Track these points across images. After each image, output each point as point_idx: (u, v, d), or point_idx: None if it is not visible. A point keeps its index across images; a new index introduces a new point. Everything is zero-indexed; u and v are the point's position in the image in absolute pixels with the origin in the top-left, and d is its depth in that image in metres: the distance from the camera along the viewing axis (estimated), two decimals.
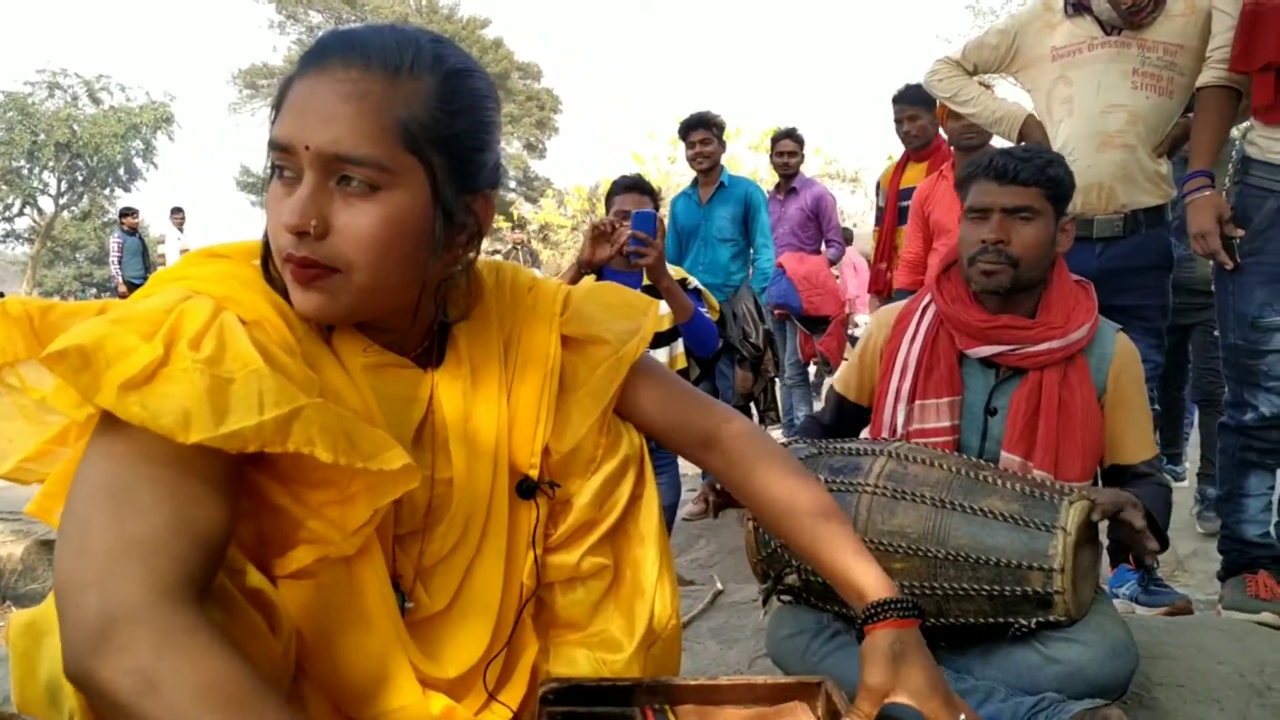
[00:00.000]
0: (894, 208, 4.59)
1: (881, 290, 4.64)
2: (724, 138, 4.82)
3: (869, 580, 1.15)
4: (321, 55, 0.98)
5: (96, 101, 29.14)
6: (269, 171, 1.00)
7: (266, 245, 1.02)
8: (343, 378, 1.03)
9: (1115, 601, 2.57)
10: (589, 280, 2.23)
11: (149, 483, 0.84)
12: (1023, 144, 2.05)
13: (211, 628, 0.81)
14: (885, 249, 4.62)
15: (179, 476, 0.84)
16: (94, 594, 0.78)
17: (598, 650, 1.19)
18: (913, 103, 4.42)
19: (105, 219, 30.44)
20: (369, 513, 0.96)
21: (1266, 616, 2.36)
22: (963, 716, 1.07)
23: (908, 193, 4.51)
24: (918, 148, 4.50)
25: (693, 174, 4.90)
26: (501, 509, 1.14)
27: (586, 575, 1.20)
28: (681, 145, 4.82)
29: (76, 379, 0.82)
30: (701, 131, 4.62)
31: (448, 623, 1.12)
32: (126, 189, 30.54)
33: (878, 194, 4.85)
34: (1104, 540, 1.83)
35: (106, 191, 30.77)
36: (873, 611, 1.12)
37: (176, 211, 12.01)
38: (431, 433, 1.11)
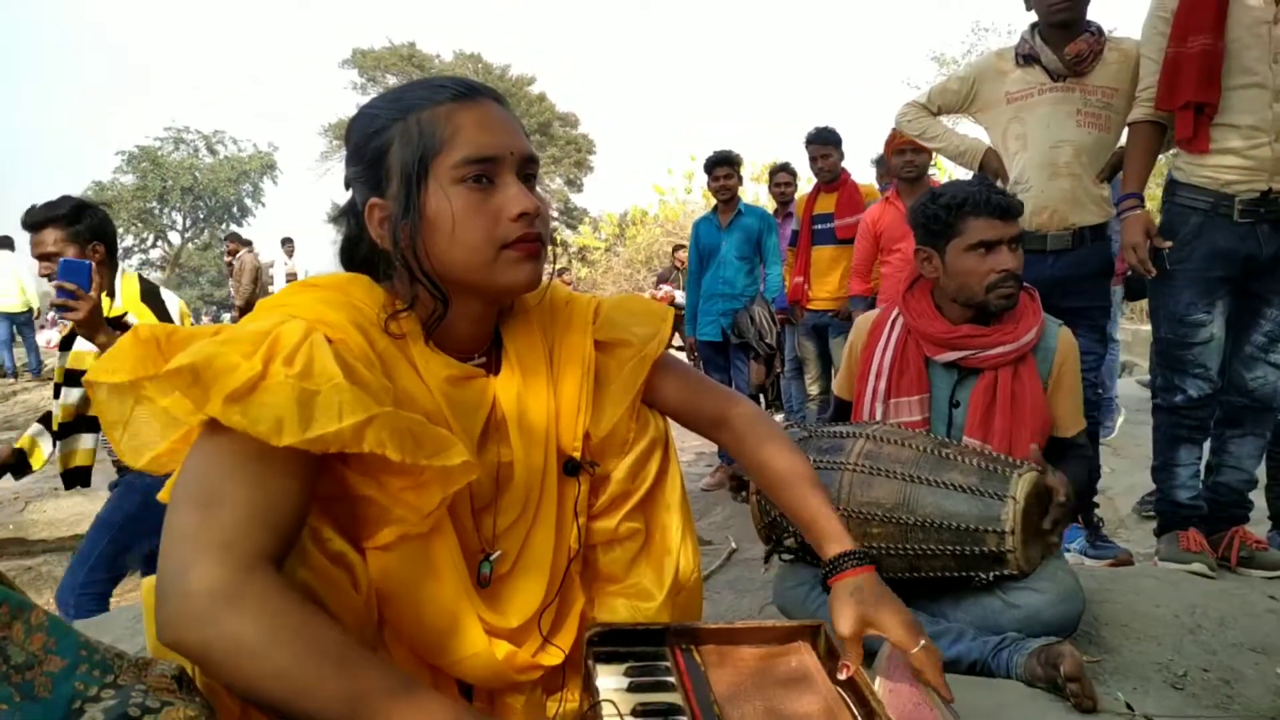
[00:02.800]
0: (808, 231, 4.67)
1: (799, 300, 4.67)
2: (740, 172, 4.84)
3: (829, 539, 1.16)
4: (470, 91, 1.06)
5: (213, 152, 29.53)
6: (470, 182, 1.02)
7: (424, 269, 1.04)
8: (417, 384, 1.04)
9: (1066, 555, 2.55)
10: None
11: (231, 477, 0.85)
12: (981, 178, 2.03)
13: (287, 590, 0.82)
14: (802, 265, 4.67)
15: (262, 472, 0.86)
16: (180, 574, 0.80)
17: (633, 599, 1.20)
18: (824, 143, 4.59)
19: (223, 249, 30.84)
20: (439, 497, 0.97)
21: (1197, 566, 2.34)
22: (923, 641, 1.06)
23: (821, 217, 4.62)
24: (828, 180, 4.61)
25: (703, 202, 4.93)
26: (552, 485, 1.15)
27: (623, 537, 1.21)
28: (697, 177, 4.87)
29: (189, 391, 0.85)
30: (726, 168, 4.65)
31: (511, 580, 1.13)
32: (239, 223, 30.90)
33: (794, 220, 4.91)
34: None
35: (223, 226, 31.13)
36: (830, 566, 1.13)
37: (287, 242, 12.10)
38: (495, 426, 1.12)
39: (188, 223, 29.96)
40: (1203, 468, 2.57)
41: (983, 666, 1.66)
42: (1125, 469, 4.10)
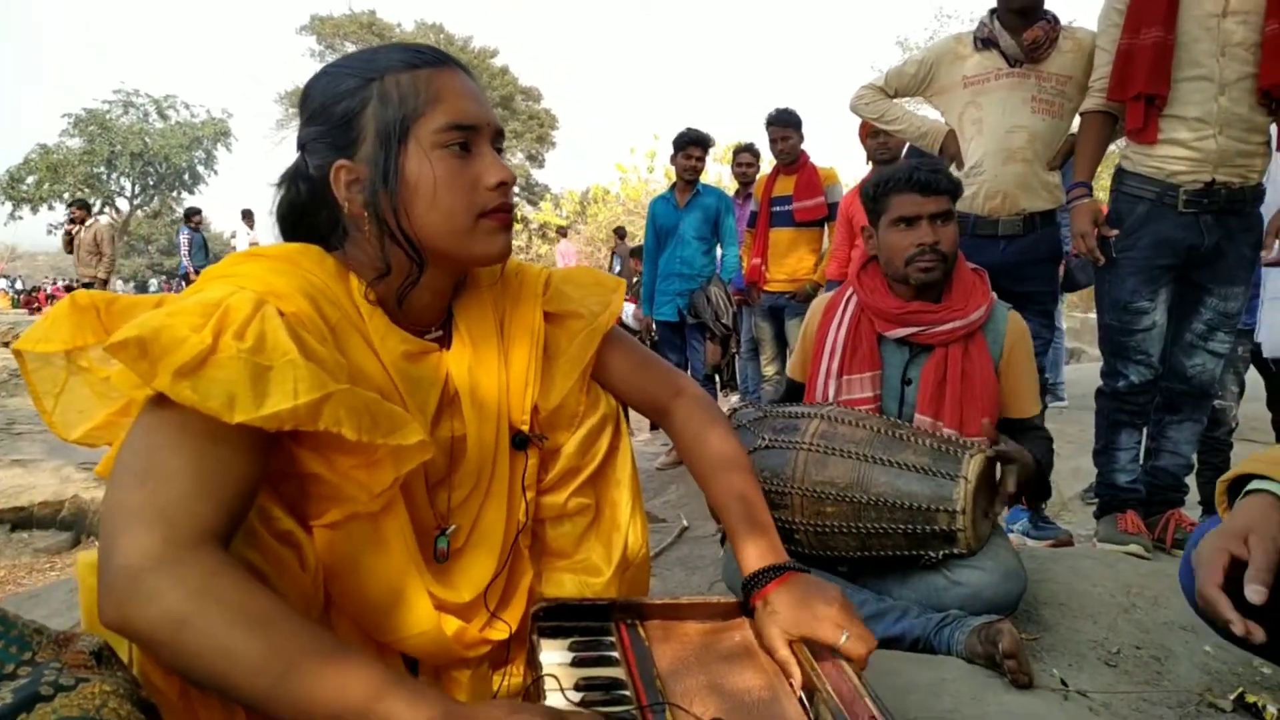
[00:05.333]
0: (766, 212, 4.67)
1: (756, 281, 4.67)
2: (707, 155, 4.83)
3: (745, 560, 1.12)
4: (439, 58, 1.04)
5: (164, 117, 28.67)
6: (453, 148, 1.01)
7: (403, 232, 1.02)
8: (370, 359, 1.01)
9: (1010, 536, 2.60)
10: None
11: (177, 452, 0.82)
12: (922, 159, 2.05)
13: (233, 568, 0.80)
14: (760, 247, 4.67)
15: (208, 447, 0.82)
16: (122, 550, 0.77)
17: (581, 575, 1.19)
18: (784, 125, 4.57)
19: (173, 217, 30.08)
20: (392, 477, 0.95)
21: (1133, 547, 2.40)
22: (846, 634, 1.01)
23: (780, 199, 4.61)
24: (787, 163, 4.60)
25: (665, 182, 4.92)
26: (504, 459, 1.13)
27: (572, 513, 1.20)
28: (659, 156, 4.84)
29: (136, 365, 0.81)
30: (697, 149, 4.64)
31: (463, 555, 1.11)
32: (191, 191, 30.12)
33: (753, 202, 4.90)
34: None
35: (174, 194, 30.35)
36: (745, 591, 1.10)
37: (247, 214, 11.85)
38: (449, 401, 1.10)
39: (136, 189, 29.09)
40: (1142, 453, 2.63)
41: (925, 644, 1.68)
42: (1070, 453, 4.19)
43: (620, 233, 13.93)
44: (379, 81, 1.01)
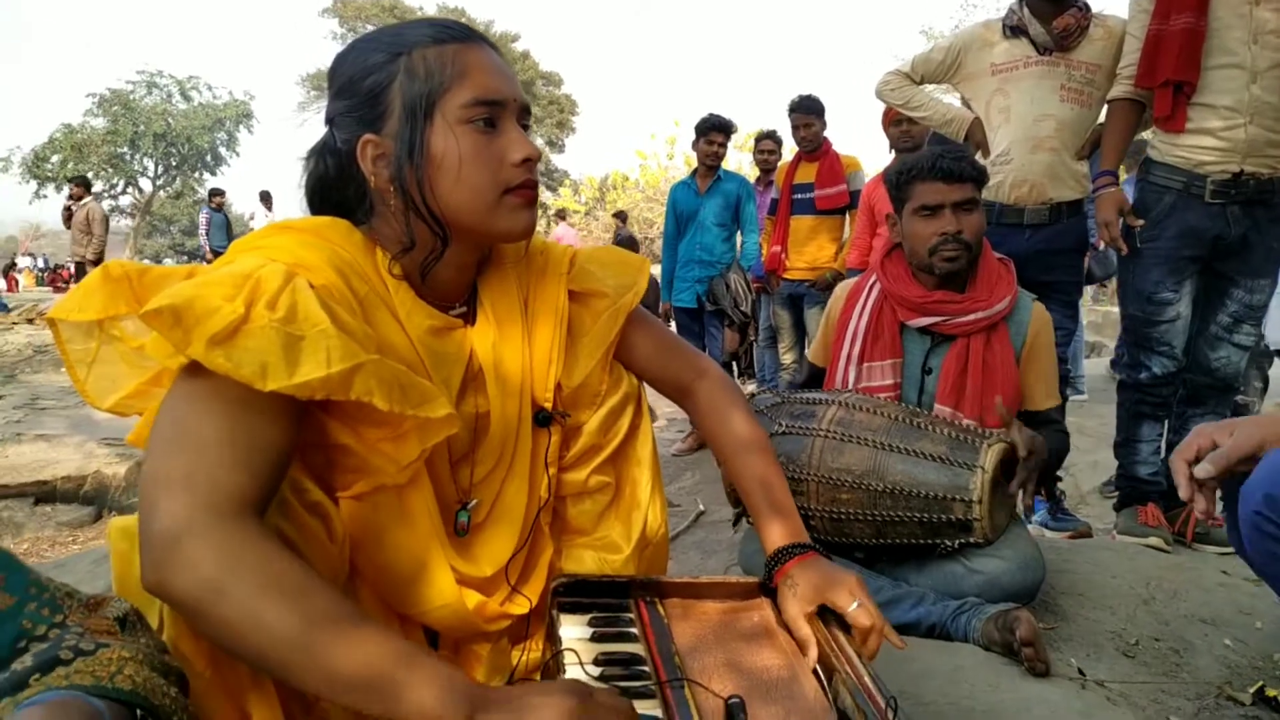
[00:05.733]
0: (787, 200, 4.62)
1: (775, 269, 4.64)
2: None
3: (768, 539, 1.15)
4: (466, 33, 1.04)
5: (187, 98, 28.76)
6: (478, 123, 1.01)
7: (428, 207, 1.02)
8: (397, 333, 1.02)
9: (1028, 527, 2.59)
10: None
11: (215, 420, 0.83)
12: (946, 147, 2.03)
13: (268, 537, 0.80)
14: (780, 234, 4.63)
15: (242, 415, 0.83)
16: (163, 516, 0.78)
17: (601, 552, 1.20)
18: (806, 112, 4.51)
19: (195, 198, 30.25)
20: (418, 450, 0.96)
21: (1153, 540, 2.38)
22: (857, 602, 1.04)
23: (802, 187, 4.55)
24: (809, 150, 4.54)
25: (685, 169, 4.90)
26: (526, 435, 1.14)
27: (593, 490, 1.21)
28: (679, 143, 4.82)
29: (170, 333, 0.82)
30: (720, 135, 4.61)
31: (485, 530, 1.12)
32: (213, 173, 30.24)
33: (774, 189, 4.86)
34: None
35: (196, 175, 30.45)
36: (768, 567, 1.13)
37: (265, 195, 11.87)
38: (473, 377, 1.11)
39: (159, 170, 29.25)
40: (1164, 445, 2.61)
41: (942, 630, 1.68)
42: (1088, 446, 4.16)
43: (621, 216, 13.89)
44: (406, 56, 1.01)
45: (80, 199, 9.74)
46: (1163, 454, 2.61)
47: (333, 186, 1.07)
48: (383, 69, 1.01)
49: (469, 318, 1.13)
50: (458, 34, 1.04)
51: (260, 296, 0.86)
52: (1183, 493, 1.18)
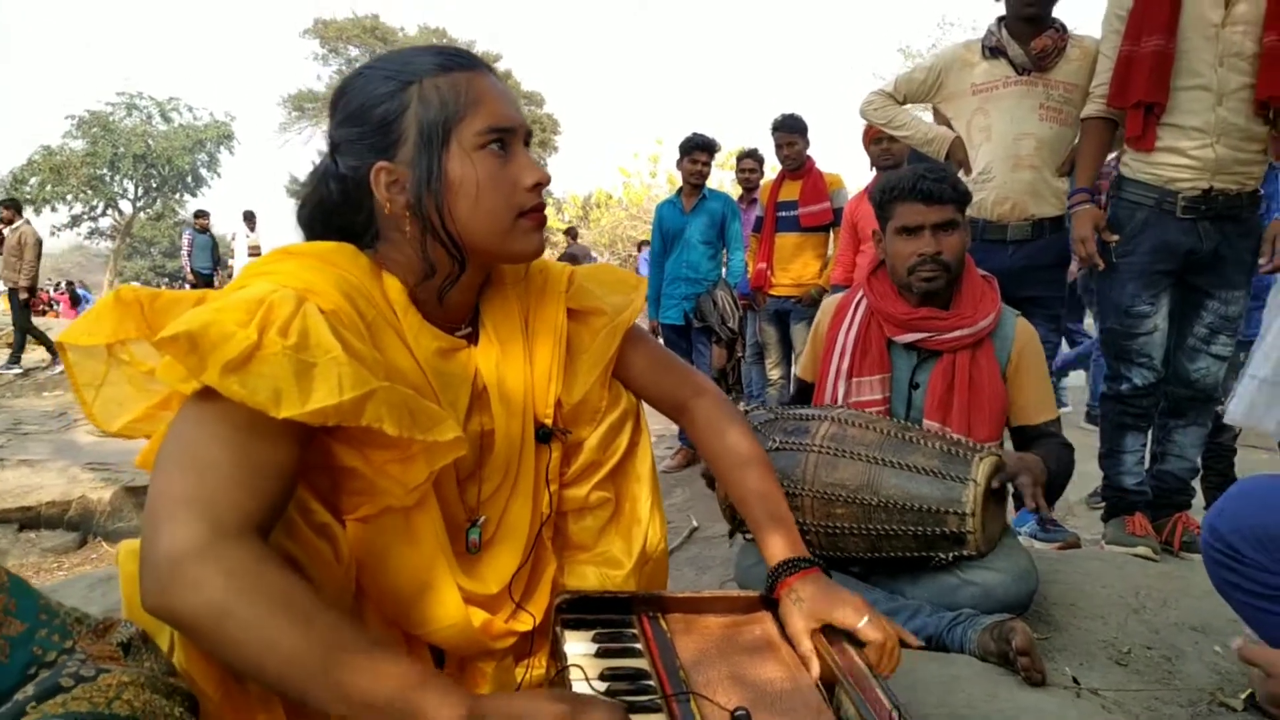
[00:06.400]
0: (772, 217, 4.68)
1: (761, 286, 4.67)
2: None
3: (770, 551, 1.16)
4: (473, 61, 1.07)
5: (168, 120, 28.67)
6: (492, 147, 1.04)
7: (447, 232, 1.04)
8: (404, 356, 1.03)
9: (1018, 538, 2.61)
10: None
11: (221, 444, 0.84)
12: (929, 166, 2.07)
13: (273, 558, 0.81)
14: (765, 251, 4.68)
15: (251, 440, 0.84)
16: (166, 538, 0.79)
17: (602, 567, 1.21)
18: (790, 130, 4.59)
19: (176, 220, 30.09)
20: (426, 472, 0.97)
21: (1141, 549, 2.42)
22: (867, 618, 1.05)
23: (786, 205, 4.62)
24: (793, 168, 4.61)
25: (668, 187, 4.93)
26: (529, 453, 1.15)
27: (594, 506, 1.22)
28: (662, 161, 4.85)
29: (186, 360, 0.83)
30: (704, 154, 4.67)
31: (491, 547, 1.13)
32: (194, 194, 30.10)
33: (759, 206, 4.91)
34: (1010, 488, 1.86)
35: (177, 196, 30.32)
36: (770, 580, 1.14)
37: (249, 216, 11.82)
38: (477, 396, 1.12)
39: (139, 191, 29.08)
40: (1148, 455, 2.65)
41: (938, 641, 1.70)
42: (1077, 459, 4.20)
43: (571, 233, 14.00)
44: (418, 85, 1.03)
45: (11, 222, 9.14)
46: (1146, 464, 2.64)
47: (336, 211, 1.08)
48: (394, 98, 1.03)
49: (472, 338, 1.14)
50: (465, 62, 1.06)
51: (273, 323, 0.87)
52: None
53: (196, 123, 29.04)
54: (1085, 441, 4.51)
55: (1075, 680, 1.62)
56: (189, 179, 29.71)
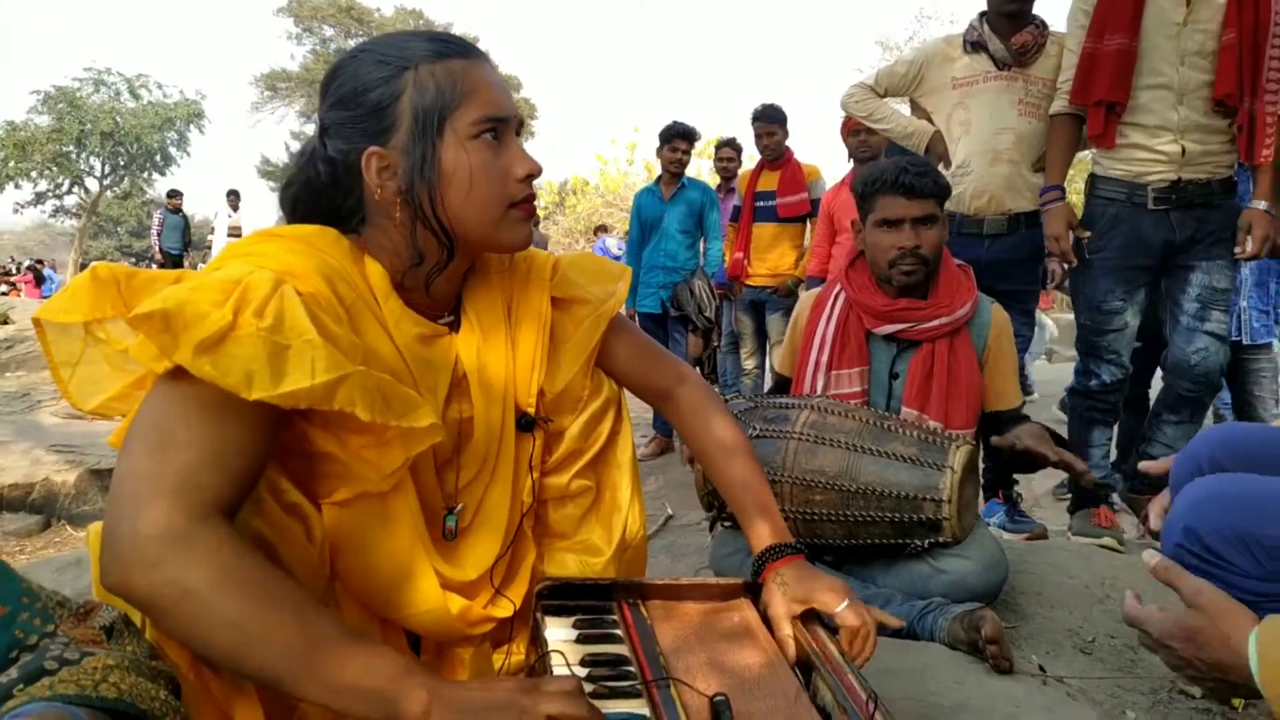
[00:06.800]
0: (750, 207, 4.69)
1: (738, 275, 4.69)
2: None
3: (757, 536, 1.18)
4: (468, 49, 1.06)
5: (136, 97, 28.10)
6: (486, 136, 1.03)
7: (438, 220, 1.03)
8: (384, 341, 1.03)
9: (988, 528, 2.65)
10: None
11: (190, 423, 0.83)
12: (912, 160, 2.09)
13: (238, 539, 0.81)
14: (743, 241, 4.69)
15: (222, 421, 0.84)
16: (133, 518, 0.78)
17: (582, 555, 1.22)
18: (769, 121, 4.59)
19: (144, 199, 29.58)
20: (402, 458, 0.97)
21: (1107, 541, 2.46)
22: (846, 601, 1.08)
23: (764, 195, 4.63)
24: (772, 159, 4.62)
25: (645, 174, 4.92)
26: (509, 440, 1.15)
27: (575, 494, 1.23)
28: (639, 149, 4.83)
29: (159, 338, 0.82)
30: (684, 142, 4.66)
31: (469, 534, 1.14)
32: (162, 173, 29.56)
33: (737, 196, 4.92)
34: (982, 479, 1.89)
35: (145, 175, 29.77)
36: (757, 564, 1.16)
37: (232, 194, 11.60)
38: (457, 383, 1.12)
39: (106, 169, 28.52)
40: (1113, 449, 2.69)
41: (909, 630, 1.72)
42: None
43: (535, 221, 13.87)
44: (414, 71, 1.02)
45: None
46: (1112, 457, 2.69)
47: (323, 194, 1.07)
48: (389, 83, 1.02)
49: (454, 325, 1.14)
50: (459, 49, 1.05)
51: (248, 304, 0.87)
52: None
53: (166, 100, 28.50)
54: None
55: (1041, 668, 1.65)
56: (158, 157, 29.17)
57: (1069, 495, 3.46)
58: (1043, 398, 5.40)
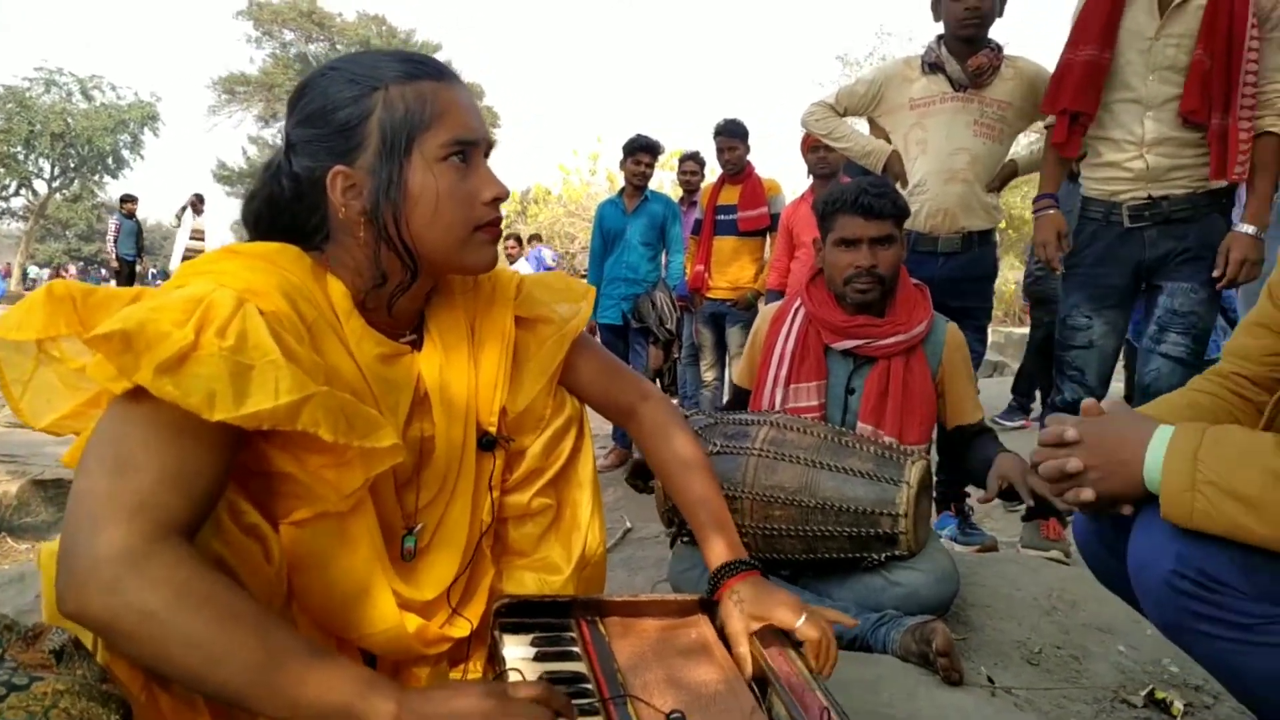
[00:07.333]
0: (711, 221, 4.72)
1: (699, 288, 4.72)
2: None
3: (712, 553, 1.20)
4: (440, 70, 1.07)
5: (89, 98, 27.52)
6: (454, 159, 1.04)
7: (403, 241, 1.03)
8: (345, 360, 1.03)
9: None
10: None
11: (150, 445, 0.82)
12: (872, 181, 2.12)
13: (200, 561, 0.81)
14: (704, 254, 4.73)
15: (182, 441, 0.83)
16: (90, 541, 0.77)
17: (541, 573, 1.22)
18: (731, 135, 4.64)
19: (94, 202, 28.95)
20: (362, 478, 0.97)
21: (1054, 553, 2.52)
22: (804, 617, 1.10)
23: (725, 208, 4.68)
24: (733, 173, 4.68)
25: (608, 185, 4.93)
26: (470, 460, 1.15)
27: (535, 512, 1.23)
28: (602, 159, 4.85)
29: (119, 359, 0.81)
30: (647, 155, 4.68)
31: (428, 554, 1.13)
32: (114, 176, 28.97)
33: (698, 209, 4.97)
34: (934, 492, 1.92)
35: (96, 178, 29.17)
36: (713, 580, 1.17)
37: (199, 199, 11.33)
38: (419, 402, 1.12)
39: (56, 171, 27.87)
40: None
41: (862, 642, 1.75)
42: None
43: None
44: (384, 91, 1.02)
45: None
46: None
47: (286, 210, 1.06)
48: (358, 102, 1.02)
49: (416, 344, 1.14)
50: (431, 71, 1.05)
51: (210, 323, 0.86)
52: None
53: (120, 102, 27.96)
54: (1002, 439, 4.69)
55: (990, 679, 1.69)
56: (110, 160, 28.58)
57: (1019, 508, 3.54)
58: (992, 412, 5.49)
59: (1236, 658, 0.99)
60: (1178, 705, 1.63)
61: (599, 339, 4.93)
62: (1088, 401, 1.16)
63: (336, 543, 1.00)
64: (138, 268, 11.36)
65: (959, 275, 2.73)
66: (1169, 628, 1.04)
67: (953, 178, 2.69)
